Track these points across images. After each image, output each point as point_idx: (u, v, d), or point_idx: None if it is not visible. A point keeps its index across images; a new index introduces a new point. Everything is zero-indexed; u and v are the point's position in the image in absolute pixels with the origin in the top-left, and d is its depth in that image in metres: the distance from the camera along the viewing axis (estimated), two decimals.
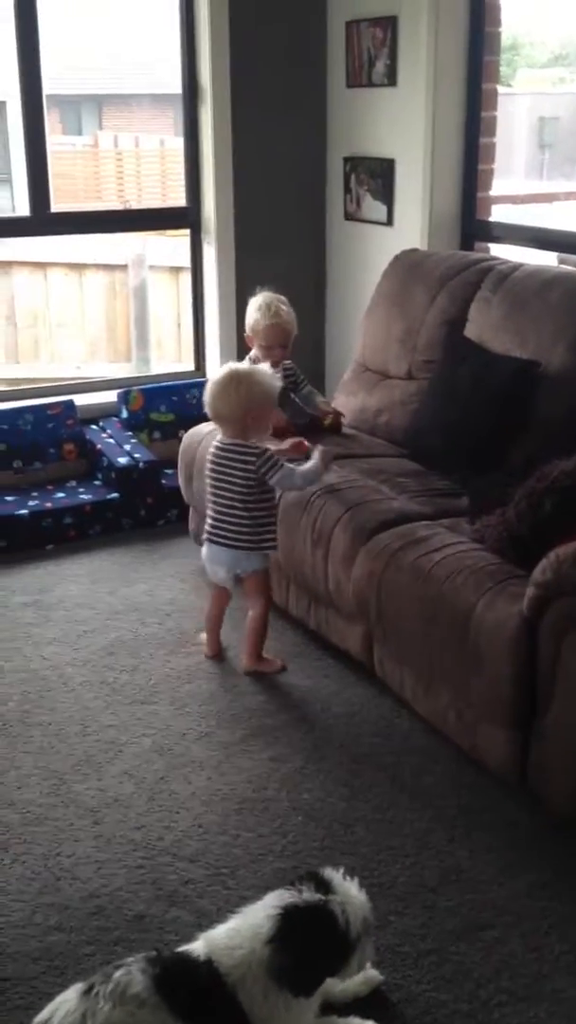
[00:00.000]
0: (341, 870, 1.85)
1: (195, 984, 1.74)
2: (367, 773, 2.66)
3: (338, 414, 3.75)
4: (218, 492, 3.05)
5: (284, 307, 3.60)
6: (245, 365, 3.10)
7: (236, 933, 1.79)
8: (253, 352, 3.64)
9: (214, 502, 3.06)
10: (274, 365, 3.40)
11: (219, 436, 3.07)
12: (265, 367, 3.13)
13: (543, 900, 2.23)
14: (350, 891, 1.80)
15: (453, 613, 2.54)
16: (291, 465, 3.02)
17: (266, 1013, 1.74)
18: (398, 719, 2.89)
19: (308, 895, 1.78)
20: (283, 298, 3.62)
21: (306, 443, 3.18)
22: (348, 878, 1.84)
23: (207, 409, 3.05)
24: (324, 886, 1.80)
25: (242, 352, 4.54)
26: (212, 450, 3.07)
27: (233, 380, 2.98)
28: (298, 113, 4.66)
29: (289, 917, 1.75)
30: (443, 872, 2.31)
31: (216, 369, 4.76)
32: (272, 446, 3.10)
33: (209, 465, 3.07)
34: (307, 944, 1.74)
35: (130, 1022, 1.66)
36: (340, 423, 3.73)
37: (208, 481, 3.08)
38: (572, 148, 7.60)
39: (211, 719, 2.91)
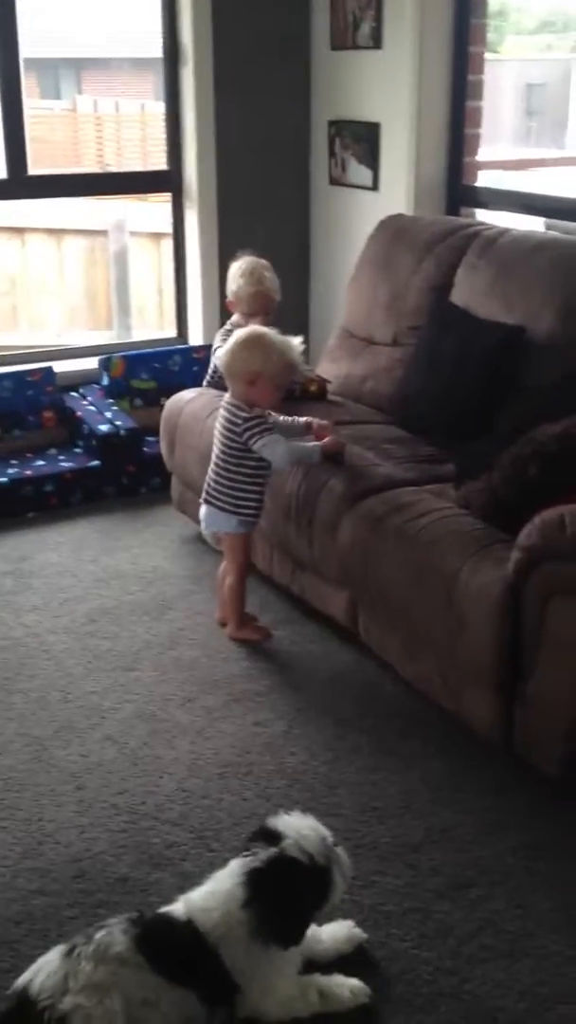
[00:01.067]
0: (284, 810, 1.88)
1: (177, 943, 1.75)
2: (351, 737, 2.66)
3: (323, 380, 3.72)
4: (214, 449, 3.05)
5: (268, 273, 3.55)
6: (275, 333, 2.97)
7: (212, 896, 1.81)
8: (234, 318, 3.60)
9: (212, 458, 3.06)
10: None
11: (227, 393, 3.03)
12: (297, 341, 3.00)
13: (528, 860, 2.23)
14: (298, 827, 1.82)
15: (438, 578, 2.53)
16: (282, 438, 2.96)
17: (248, 970, 1.76)
18: (383, 684, 2.89)
19: (263, 853, 1.79)
20: (266, 263, 3.58)
21: (343, 443, 3.09)
22: (291, 812, 1.86)
23: (218, 362, 3.03)
24: (274, 837, 1.81)
25: (226, 318, 4.51)
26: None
27: (254, 342, 2.92)
28: (282, 75, 4.59)
29: (255, 880, 1.77)
30: (427, 832, 2.32)
31: (199, 333, 4.74)
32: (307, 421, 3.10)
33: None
34: (282, 895, 1.76)
35: (112, 981, 1.67)
36: (325, 389, 3.70)
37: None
38: (559, 115, 7.55)
39: (194, 685, 2.90)
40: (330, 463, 3.03)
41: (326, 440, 3.05)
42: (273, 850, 1.79)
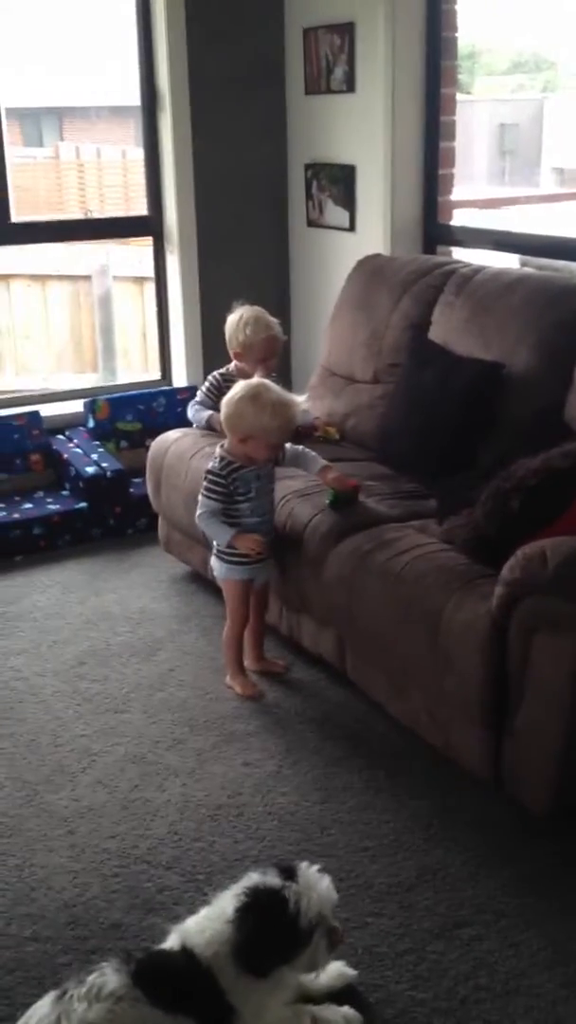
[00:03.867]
0: (316, 865, 1.87)
1: (172, 972, 1.77)
2: (342, 776, 2.66)
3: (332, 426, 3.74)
4: None
5: (271, 318, 3.62)
6: (278, 389, 2.89)
7: (205, 917, 1.84)
8: (235, 365, 3.63)
9: None
10: (267, 373, 3.42)
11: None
12: (301, 400, 2.96)
13: (520, 897, 2.23)
14: (313, 883, 1.82)
15: (423, 614, 2.54)
16: (216, 503, 2.91)
17: (241, 992, 1.78)
18: (372, 721, 2.89)
19: (271, 879, 1.81)
20: (262, 309, 3.63)
21: (347, 483, 3.04)
22: (320, 873, 1.86)
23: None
24: (289, 874, 1.83)
25: (209, 359, 4.56)
26: None
27: (251, 399, 2.84)
28: (258, 120, 4.67)
29: (247, 897, 1.80)
30: (420, 872, 2.31)
31: (183, 375, 4.78)
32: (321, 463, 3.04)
33: None
34: (257, 925, 1.77)
35: (108, 1019, 1.67)
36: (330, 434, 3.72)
37: None
38: (532, 154, 7.68)
39: (184, 726, 2.90)
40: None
41: (336, 479, 3.02)
42: (277, 883, 1.80)
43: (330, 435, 3.69)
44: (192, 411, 3.72)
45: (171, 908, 2.21)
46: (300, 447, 3.09)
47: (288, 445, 3.05)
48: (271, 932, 1.78)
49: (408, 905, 2.22)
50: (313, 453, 3.10)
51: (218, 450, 2.99)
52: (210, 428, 3.58)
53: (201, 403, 3.68)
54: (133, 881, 2.31)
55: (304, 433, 3.61)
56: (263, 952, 1.78)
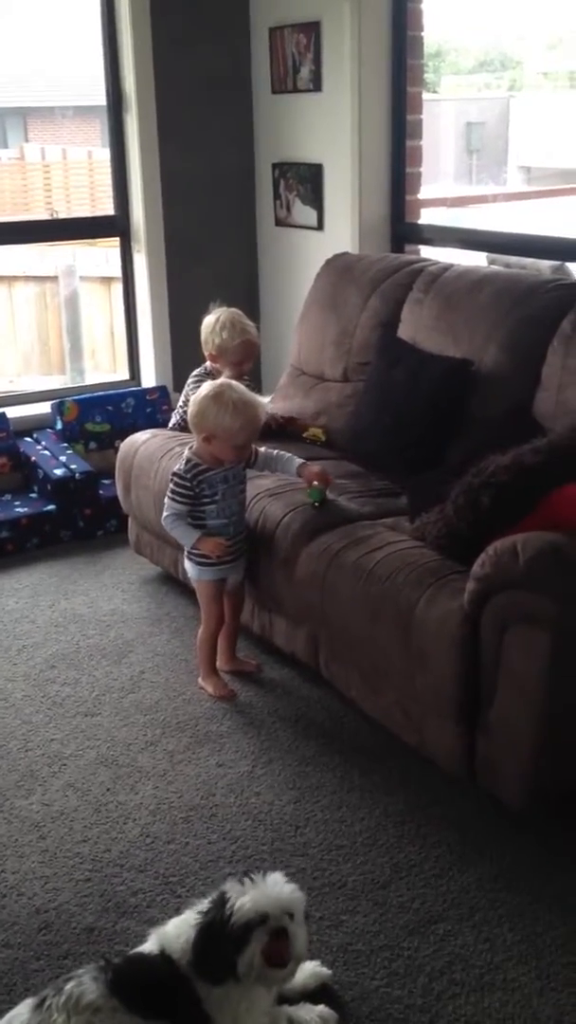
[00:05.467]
0: (277, 872, 1.81)
1: (151, 979, 1.75)
2: (315, 774, 2.65)
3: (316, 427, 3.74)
4: None
5: (247, 321, 3.60)
6: (242, 390, 2.88)
7: (182, 921, 1.81)
8: (211, 365, 3.61)
9: None
10: (241, 376, 3.42)
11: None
12: (264, 402, 2.96)
13: (494, 892, 2.23)
14: (259, 883, 1.76)
15: (396, 611, 2.54)
16: (181, 506, 2.90)
17: (216, 1001, 1.76)
18: (345, 719, 2.89)
19: (229, 884, 1.78)
20: (239, 311, 3.61)
21: (329, 479, 3.03)
22: (282, 877, 1.79)
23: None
24: (249, 880, 1.78)
25: (178, 358, 4.55)
26: None
27: (213, 399, 2.83)
28: (224, 120, 4.66)
29: (209, 903, 1.78)
30: (394, 868, 2.31)
31: (152, 375, 4.76)
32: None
33: None
34: (201, 930, 1.76)
35: None
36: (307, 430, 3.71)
37: None
38: (498, 152, 7.72)
39: (156, 728, 2.88)
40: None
41: (320, 474, 3.00)
42: (234, 888, 1.77)
43: (317, 437, 3.67)
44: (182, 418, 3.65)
45: (144, 911, 2.20)
46: (275, 451, 3.08)
47: (262, 449, 3.04)
48: (207, 936, 1.75)
49: (382, 902, 2.21)
50: (288, 454, 3.08)
51: (186, 451, 2.97)
52: None
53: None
54: (106, 885, 2.29)
55: (289, 433, 3.60)
56: (207, 959, 1.74)
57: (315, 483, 2.98)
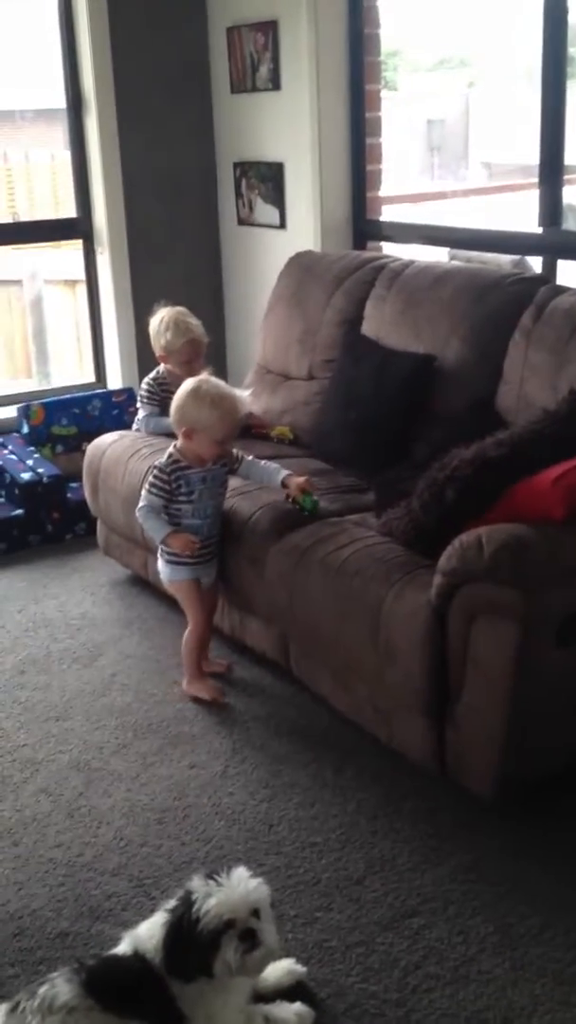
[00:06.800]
0: (241, 866, 1.81)
1: (125, 978, 1.76)
2: (288, 772, 2.66)
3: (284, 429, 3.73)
4: None
5: (192, 319, 3.59)
6: (220, 385, 2.88)
7: (154, 922, 1.82)
8: (164, 367, 3.61)
9: None
10: (194, 374, 3.36)
11: None
12: (243, 395, 2.95)
13: (467, 884, 2.24)
14: (226, 885, 1.75)
15: (364, 606, 2.55)
16: (157, 499, 2.89)
17: (189, 999, 1.76)
18: (317, 717, 2.89)
19: (195, 883, 1.78)
20: (184, 309, 3.60)
21: (309, 485, 3.00)
22: (248, 875, 1.79)
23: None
24: (214, 880, 1.77)
25: (144, 359, 4.53)
26: None
27: (191, 394, 2.85)
28: (184, 120, 4.65)
29: (176, 902, 1.79)
30: (368, 864, 2.31)
31: (118, 377, 4.74)
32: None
33: None
34: (170, 929, 1.76)
35: None
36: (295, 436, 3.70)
37: None
38: (459, 149, 7.75)
39: (128, 731, 2.87)
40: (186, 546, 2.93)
41: (308, 481, 2.99)
42: (199, 888, 1.76)
43: (285, 435, 3.67)
44: (146, 423, 3.64)
45: (119, 915, 2.19)
46: (260, 460, 3.06)
47: (248, 457, 3.03)
48: (176, 936, 1.75)
49: (356, 898, 2.22)
50: (275, 465, 3.06)
51: (171, 447, 2.96)
52: (171, 434, 3.52)
53: (150, 412, 3.63)
54: (80, 889, 2.28)
55: (258, 435, 3.59)
56: (177, 958, 1.75)
57: (307, 491, 2.95)
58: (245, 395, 2.96)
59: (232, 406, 2.86)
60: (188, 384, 2.90)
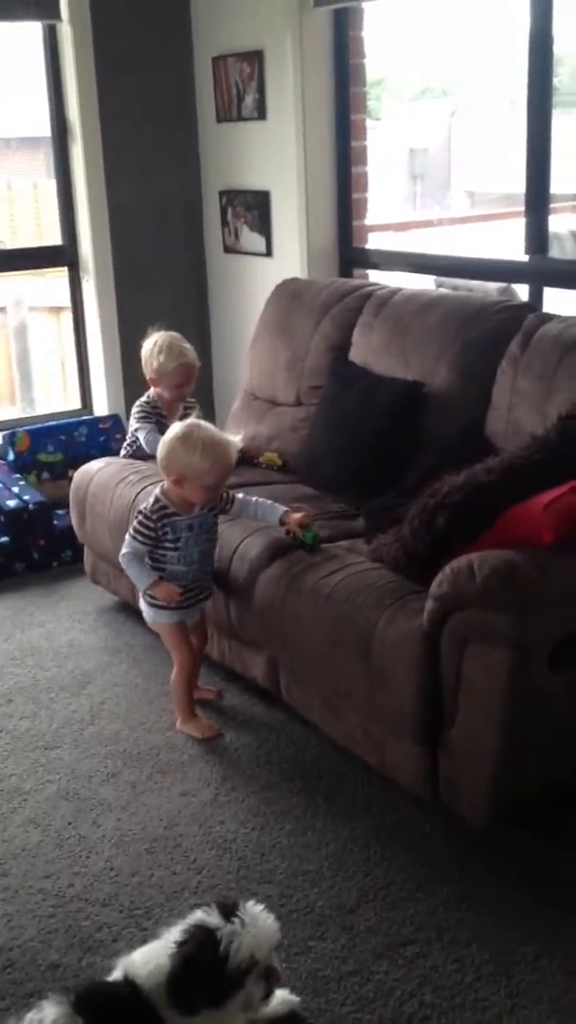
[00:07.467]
0: (258, 904, 1.82)
1: (113, 1001, 1.75)
2: (279, 800, 2.64)
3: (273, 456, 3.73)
4: None
5: (185, 344, 3.61)
6: (212, 430, 2.80)
7: (151, 950, 1.82)
8: (154, 391, 3.62)
9: None
10: (183, 399, 3.54)
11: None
12: (234, 440, 2.86)
13: (461, 911, 2.23)
14: (252, 923, 1.76)
15: (355, 632, 2.54)
16: (141, 546, 2.83)
17: None
18: (308, 743, 2.88)
19: (213, 918, 1.77)
20: (177, 335, 3.62)
21: (308, 519, 2.95)
22: (263, 912, 1.80)
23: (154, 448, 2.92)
24: (231, 912, 1.77)
25: (130, 386, 4.53)
26: None
27: (182, 441, 2.75)
28: (170, 149, 4.68)
29: (186, 935, 1.77)
30: (361, 892, 2.30)
31: (104, 403, 4.74)
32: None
33: None
34: (186, 964, 1.74)
35: None
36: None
37: None
38: (442, 177, 7.83)
39: (117, 759, 2.85)
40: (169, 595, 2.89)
41: (308, 515, 2.96)
42: (215, 923, 1.76)
43: (273, 462, 3.67)
44: (147, 441, 3.56)
45: (110, 946, 2.16)
46: (254, 497, 3.00)
47: (240, 495, 2.98)
48: (198, 973, 1.74)
49: (350, 927, 2.20)
50: (270, 501, 2.99)
51: (157, 491, 2.89)
52: None
53: (149, 429, 3.59)
54: (70, 920, 2.25)
55: (247, 461, 3.59)
56: (189, 992, 1.74)
57: (306, 526, 2.90)
58: (236, 439, 2.88)
59: (224, 452, 2.77)
60: (177, 429, 2.80)
